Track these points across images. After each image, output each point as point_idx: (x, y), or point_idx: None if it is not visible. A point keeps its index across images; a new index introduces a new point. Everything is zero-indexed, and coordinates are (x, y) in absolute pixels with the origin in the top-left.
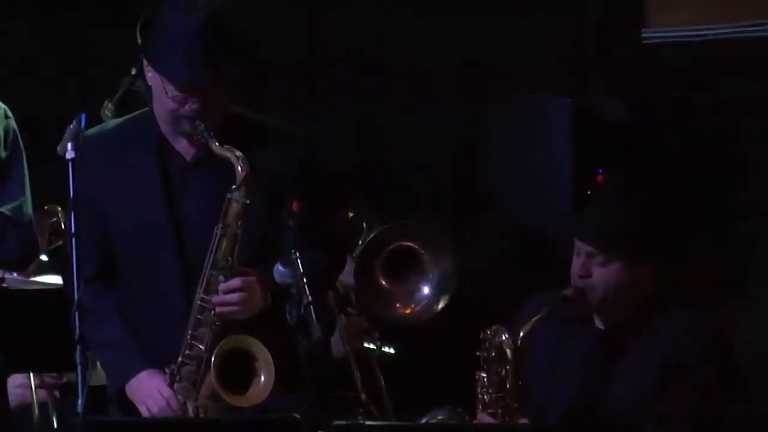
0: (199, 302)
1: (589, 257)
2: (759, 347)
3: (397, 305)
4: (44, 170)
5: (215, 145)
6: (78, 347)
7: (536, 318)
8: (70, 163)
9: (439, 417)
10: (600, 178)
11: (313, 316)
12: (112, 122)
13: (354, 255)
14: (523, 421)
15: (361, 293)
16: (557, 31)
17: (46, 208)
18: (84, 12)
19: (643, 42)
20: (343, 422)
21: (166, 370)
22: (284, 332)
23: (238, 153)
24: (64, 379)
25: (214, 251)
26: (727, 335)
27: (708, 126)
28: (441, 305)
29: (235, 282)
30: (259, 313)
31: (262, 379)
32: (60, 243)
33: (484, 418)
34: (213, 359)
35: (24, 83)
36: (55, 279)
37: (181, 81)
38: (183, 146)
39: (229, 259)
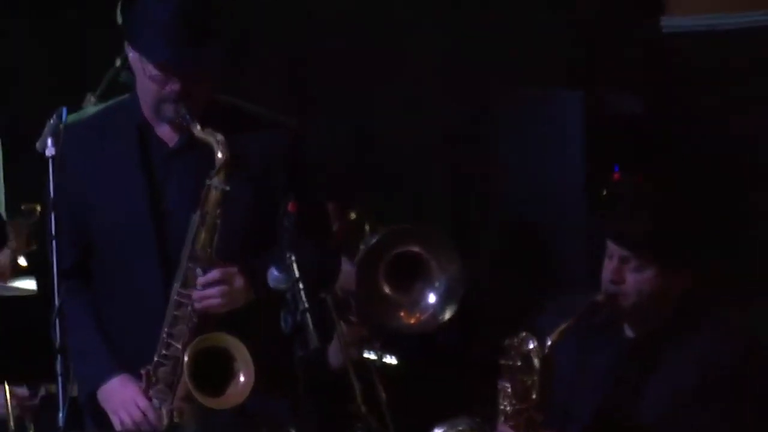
0: (176, 297)
1: (624, 262)
2: None
3: (402, 314)
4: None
5: (196, 129)
6: (59, 357)
7: (565, 326)
8: (50, 160)
9: (460, 429)
10: (616, 175)
11: (310, 323)
12: (91, 109)
13: (356, 259)
14: None
15: (362, 300)
16: (571, 17)
17: (23, 207)
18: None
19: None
20: None
21: (142, 371)
22: (276, 335)
23: (219, 137)
24: (42, 392)
25: (192, 242)
26: (760, 344)
27: (731, 122)
28: (448, 314)
29: (214, 274)
30: (246, 313)
31: (241, 379)
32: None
33: (505, 430)
34: (186, 359)
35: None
36: (30, 284)
37: (161, 60)
38: (166, 132)
39: (208, 250)
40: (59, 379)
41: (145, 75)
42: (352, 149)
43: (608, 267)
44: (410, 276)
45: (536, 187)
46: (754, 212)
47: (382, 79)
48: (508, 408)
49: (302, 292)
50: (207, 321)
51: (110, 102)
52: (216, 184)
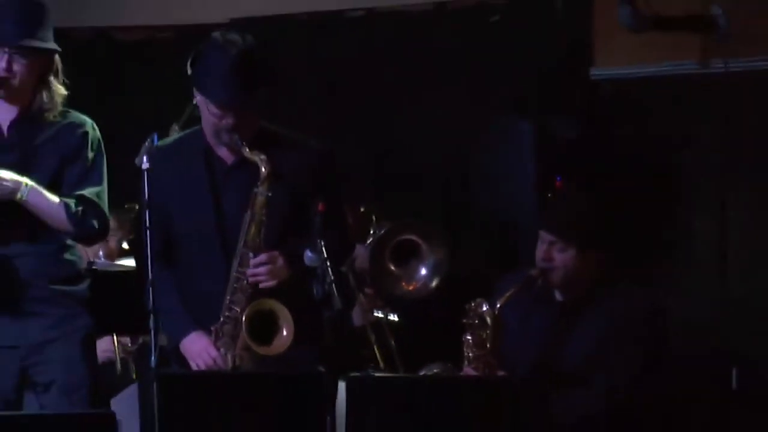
0: (235, 273)
1: (551, 245)
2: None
3: (402, 284)
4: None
5: (246, 151)
6: (151, 316)
7: (509, 293)
8: (145, 172)
9: (434, 370)
10: (558, 183)
11: (335, 291)
12: (172, 138)
13: (368, 244)
14: (500, 373)
15: (374, 275)
16: (527, 67)
17: (126, 206)
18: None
19: (591, 77)
20: (357, 374)
21: (212, 328)
22: (310, 300)
23: (263, 156)
24: (140, 341)
25: (245, 233)
26: (659, 306)
27: (642, 143)
28: (435, 283)
29: (262, 257)
30: (287, 285)
31: (284, 333)
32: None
33: (469, 371)
34: (243, 318)
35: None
36: (132, 262)
37: (218, 101)
38: (224, 153)
39: (257, 239)
40: (151, 332)
41: (208, 111)
42: (365, 161)
43: (540, 249)
44: (409, 256)
45: (503, 191)
46: (650, 211)
47: (392, 111)
48: (470, 354)
49: (329, 268)
50: (258, 291)
51: (186, 131)
52: (261, 191)
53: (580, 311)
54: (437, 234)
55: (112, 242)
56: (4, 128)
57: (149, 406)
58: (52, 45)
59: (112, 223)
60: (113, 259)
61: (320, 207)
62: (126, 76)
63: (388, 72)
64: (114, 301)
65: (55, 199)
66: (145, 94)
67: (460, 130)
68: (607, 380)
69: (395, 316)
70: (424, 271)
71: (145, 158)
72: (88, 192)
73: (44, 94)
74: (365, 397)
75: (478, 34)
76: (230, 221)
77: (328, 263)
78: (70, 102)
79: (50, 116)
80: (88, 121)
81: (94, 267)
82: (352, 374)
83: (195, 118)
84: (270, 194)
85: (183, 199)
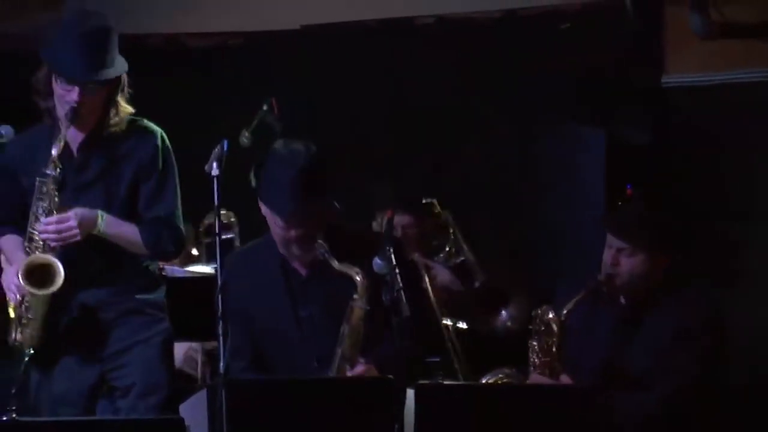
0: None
1: (619, 251)
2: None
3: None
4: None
5: (335, 263)
6: (219, 321)
7: (576, 298)
8: (215, 179)
9: (500, 375)
10: (629, 191)
11: (403, 298)
12: (249, 246)
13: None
14: (565, 377)
15: (457, 306)
16: (598, 74)
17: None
18: None
19: (662, 85)
20: (426, 381)
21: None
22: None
23: (356, 269)
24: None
25: (341, 345)
26: (721, 311)
27: (712, 150)
28: (512, 326)
29: (360, 368)
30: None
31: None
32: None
33: (536, 377)
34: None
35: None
36: (202, 268)
37: (284, 214)
38: (297, 265)
39: (354, 353)
40: (220, 338)
41: (276, 225)
42: (433, 168)
43: (608, 254)
44: (495, 302)
45: (573, 198)
46: (720, 217)
47: (460, 117)
48: (536, 360)
49: (398, 276)
50: None
51: (258, 240)
52: (359, 304)
53: (645, 316)
54: (524, 290)
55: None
56: (74, 149)
57: (218, 412)
58: (120, 68)
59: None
60: (182, 266)
61: (389, 214)
62: (197, 82)
63: (457, 79)
64: (184, 307)
65: (130, 226)
66: (216, 101)
67: (530, 137)
68: (668, 385)
69: (464, 323)
70: (504, 315)
71: (215, 165)
72: (163, 212)
73: (111, 113)
74: (434, 404)
75: (548, 42)
76: (306, 326)
77: (396, 270)
78: (142, 108)
79: (118, 131)
80: (158, 131)
81: (164, 273)
82: (420, 382)
83: (265, 125)
84: (368, 308)
85: (263, 308)
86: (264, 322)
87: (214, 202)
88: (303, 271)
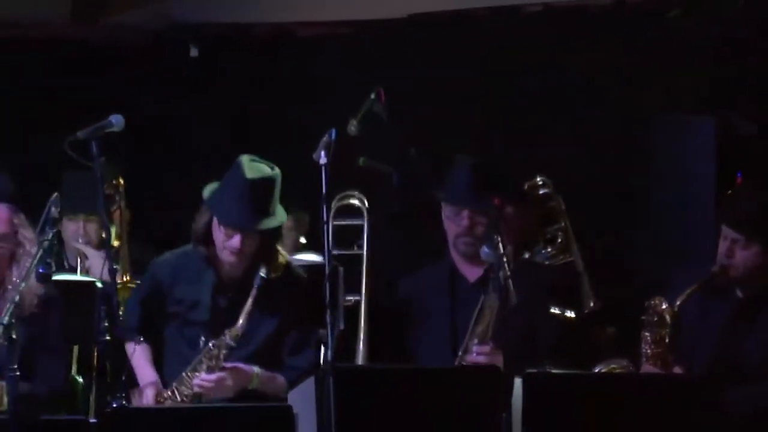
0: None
1: (734, 242)
2: None
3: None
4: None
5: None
6: (327, 310)
7: (689, 290)
8: (323, 167)
9: (612, 366)
10: (739, 180)
11: (511, 286)
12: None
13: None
14: (677, 369)
15: None
16: (707, 62)
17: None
18: None
19: None
20: (533, 370)
21: None
22: None
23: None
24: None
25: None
26: None
27: None
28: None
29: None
30: None
31: None
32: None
33: (648, 368)
34: None
35: None
36: (310, 256)
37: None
38: (465, 269)
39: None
40: (328, 326)
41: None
42: (542, 154)
43: (723, 246)
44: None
45: (682, 187)
46: None
47: (568, 105)
48: (648, 351)
49: (505, 264)
50: None
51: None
52: (491, 303)
53: (760, 307)
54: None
55: (287, 240)
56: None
57: (326, 400)
58: (279, 218)
59: (290, 223)
60: (290, 253)
61: (496, 201)
62: (304, 71)
63: (565, 67)
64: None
65: (281, 381)
66: (323, 90)
67: (638, 126)
68: None
69: (572, 312)
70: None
71: (323, 153)
72: (306, 364)
73: (267, 260)
74: (542, 393)
75: (656, 29)
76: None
77: (505, 259)
78: (249, 97)
79: (274, 278)
80: (303, 276)
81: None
82: (528, 371)
83: (372, 114)
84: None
85: (424, 313)
86: (422, 321)
87: (322, 191)
88: (471, 277)
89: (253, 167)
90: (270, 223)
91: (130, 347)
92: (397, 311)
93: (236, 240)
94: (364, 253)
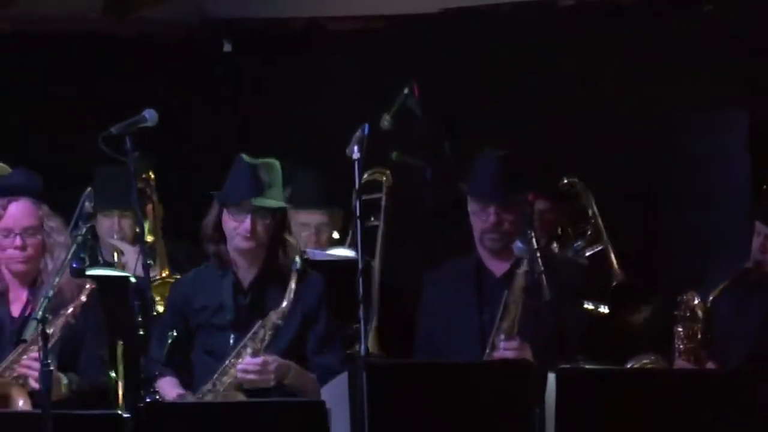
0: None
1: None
2: None
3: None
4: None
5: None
6: (360, 305)
7: (722, 285)
8: (356, 162)
9: (645, 361)
10: None
11: (544, 281)
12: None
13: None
14: (710, 365)
15: None
16: (740, 56)
17: None
18: None
19: None
20: (566, 365)
21: None
22: None
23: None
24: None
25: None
26: None
27: None
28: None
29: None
30: None
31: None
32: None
33: (681, 363)
34: None
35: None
36: (343, 251)
37: (478, 196)
38: (491, 264)
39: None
40: (361, 321)
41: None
42: (576, 148)
43: (756, 241)
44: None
45: (715, 182)
46: None
47: (602, 100)
48: (681, 347)
49: (539, 259)
50: None
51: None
52: (515, 298)
53: None
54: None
55: (322, 236)
56: (245, 286)
57: (359, 395)
58: (281, 201)
59: (322, 217)
60: (323, 248)
61: (530, 197)
62: (338, 65)
63: (597, 62)
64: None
65: (312, 381)
66: (357, 84)
67: (671, 120)
68: None
69: (605, 308)
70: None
71: (356, 148)
72: (329, 363)
73: (279, 252)
74: (575, 388)
75: (690, 24)
76: (490, 327)
77: (538, 254)
78: (283, 92)
79: (286, 271)
80: (319, 277)
81: (305, 257)
82: (561, 366)
83: (405, 109)
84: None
85: (450, 306)
86: (450, 316)
87: (355, 185)
88: (497, 272)
89: (254, 158)
90: (274, 195)
91: (158, 380)
92: (422, 305)
93: (247, 222)
94: (381, 224)
